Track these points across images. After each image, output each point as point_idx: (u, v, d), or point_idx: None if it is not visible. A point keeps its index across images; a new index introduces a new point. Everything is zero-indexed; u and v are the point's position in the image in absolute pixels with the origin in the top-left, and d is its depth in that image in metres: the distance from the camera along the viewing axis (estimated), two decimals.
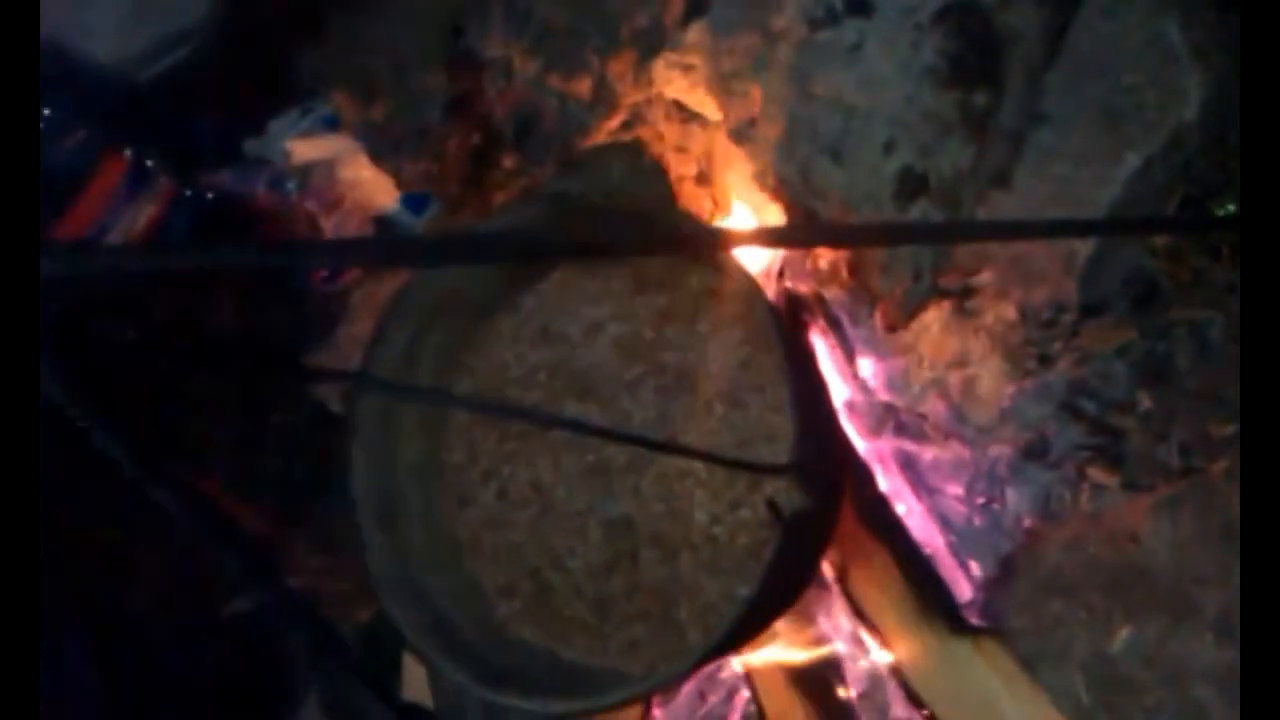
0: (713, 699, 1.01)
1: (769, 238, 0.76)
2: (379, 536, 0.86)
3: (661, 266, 0.87)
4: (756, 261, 1.00)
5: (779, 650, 0.94)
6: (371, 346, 0.87)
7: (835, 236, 0.76)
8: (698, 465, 0.83)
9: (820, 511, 0.83)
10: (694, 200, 1.02)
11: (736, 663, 0.98)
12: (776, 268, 1.01)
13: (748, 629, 0.81)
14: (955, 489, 0.94)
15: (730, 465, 0.81)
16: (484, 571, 0.88)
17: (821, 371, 0.91)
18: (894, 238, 0.78)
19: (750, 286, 0.77)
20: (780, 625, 0.97)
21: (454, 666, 0.79)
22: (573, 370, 0.89)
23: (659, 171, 0.78)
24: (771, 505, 0.74)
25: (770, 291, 1.00)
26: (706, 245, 0.76)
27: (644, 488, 0.84)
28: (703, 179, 1.02)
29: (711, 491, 0.83)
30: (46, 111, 1.16)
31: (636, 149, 0.81)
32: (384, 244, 0.71)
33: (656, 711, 1.00)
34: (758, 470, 0.78)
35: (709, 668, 1.00)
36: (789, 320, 0.96)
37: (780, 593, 0.84)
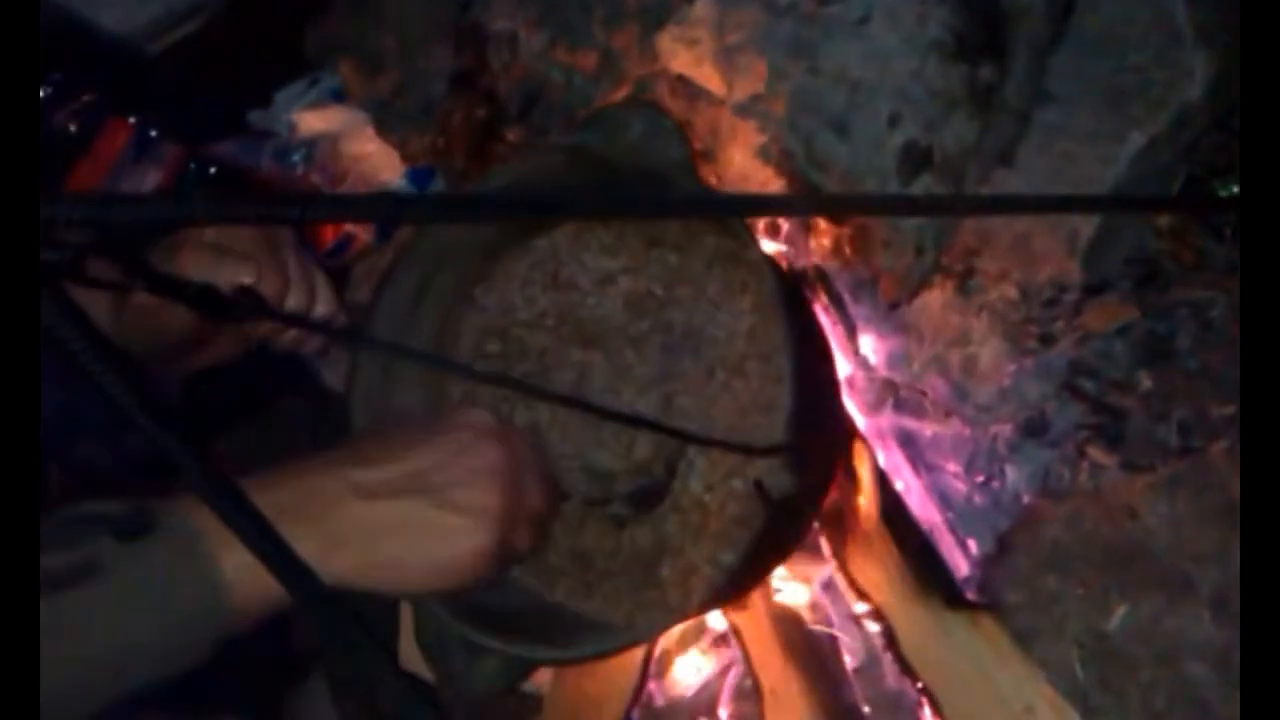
0: (707, 671, 1.02)
1: (778, 205, 0.76)
2: None
3: (677, 226, 0.87)
4: (761, 238, 1.00)
5: (776, 623, 0.95)
6: (380, 287, 0.87)
7: (841, 205, 0.76)
8: (694, 427, 0.83)
9: (809, 490, 0.83)
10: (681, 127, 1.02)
11: (731, 635, 0.98)
12: (780, 242, 1.01)
13: (728, 593, 0.82)
14: (954, 466, 0.94)
15: (720, 446, 0.81)
16: None
17: (829, 346, 0.91)
18: (897, 208, 0.78)
19: (762, 255, 0.77)
20: (778, 599, 0.97)
21: (437, 600, 0.78)
22: (580, 318, 0.89)
23: (679, 133, 0.78)
24: (759, 485, 0.74)
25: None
26: (718, 211, 0.76)
27: (638, 445, 0.85)
28: (706, 154, 1.02)
29: (707, 457, 0.83)
30: (53, 76, 1.17)
31: (657, 109, 0.80)
32: (392, 200, 0.71)
33: (651, 684, 1.01)
34: (749, 452, 0.78)
35: (704, 639, 1.01)
36: (799, 292, 0.96)
37: (764, 561, 0.85)
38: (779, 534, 0.80)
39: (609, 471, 0.85)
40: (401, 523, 0.67)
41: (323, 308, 0.85)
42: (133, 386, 0.37)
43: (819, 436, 0.85)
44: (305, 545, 0.62)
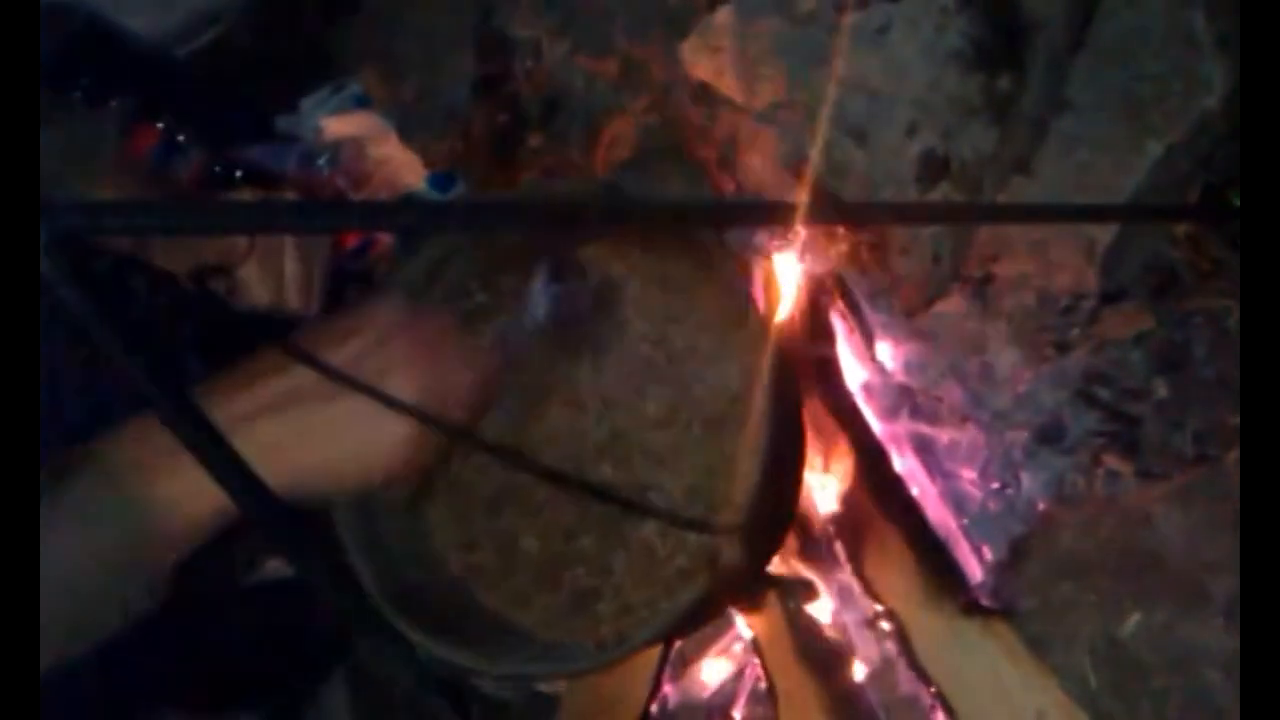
0: (724, 673, 1.03)
1: (794, 213, 0.77)
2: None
3: (688, 269, 0.87)
4: (778, 244, 1.01)
5: (791, 627, 0.95)
6: (395, 261, 0.87)
7: (858, 215, 0.76)
8: (665, 475, 0.84)
9: (754, 564, 0.85)
10: (717, 182, 1.03)
11: (748, 638, 0.99)
12: (799, 250, 1.02)
13: (657, 639, 0.83)
14: (970, 472, 0.95)
15: (677, 525, 0.82)
16: (441, 520, 0.89)
17: (804, 423, 0.91)
18: (914, 217, 0.79)
19: (764, 325, 0.78)
20: (794, 604, 0.98)
21: (406, 621, 0.79)
22: (579, 331, 0.89)
23: (715, 196, 0.79)
24: (709, 554, 0.75)
25: (792, 275, 1.01)
26: (738, 220, 0.77)
27: (609, 473, 0.85)
28: (727, 161, 1.03)
29: (667, 504, 0.83)
30: (82, 80, 1.18)
31: (699, 168, 0.81)
32: (418, 209, 0.72)
33: (668, 686, 1.01)
34: (705, 530, 0.79)
35: (721, 642, 1.02)
36: (790, 367, 0.96)
37: (698, 618, 0.85)
38: (715, 598, 0.81)
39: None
40: (326, 422, 0.66)
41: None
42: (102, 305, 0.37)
43: (774, 517, 0.86)
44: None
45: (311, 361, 0.63)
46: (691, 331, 0.86)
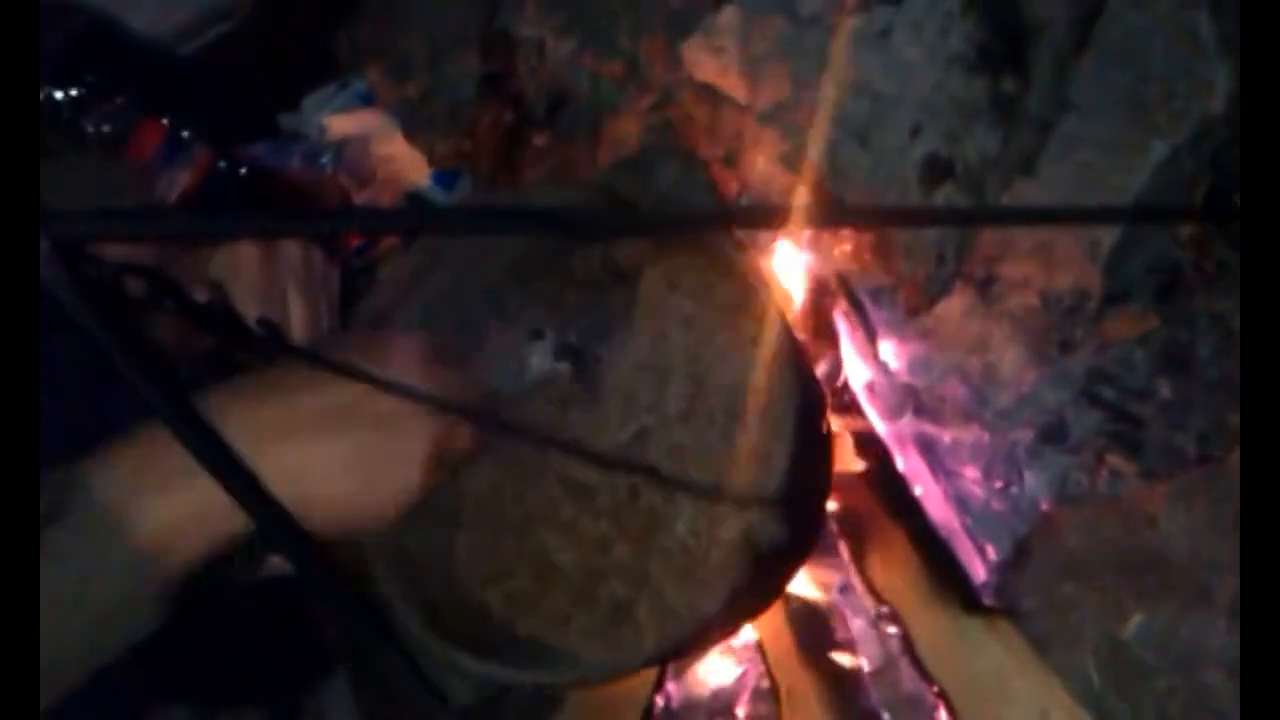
0: (726, 672, 1.03)
1: (797, 216, 0.77)
2: None
3: (695, 274, 0.88)
4: (781, 244, 1.01)
5: (794, 625, 0.96)
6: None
7: (862, 218, 0.77)
8: (693, 469, 0.84)
9: (796, 545, 0.84)
10: (721, 181, 1.03)
11: (750, 636, 0.99)
12: (802, 250, 1.02)
13: (702, 640, 0.83)
14: (973, 472, 0.95)
15: (713, 496, 0.82)
16: (471, 551, 0.89)
17: (825, 403, 0.91)
18: (919, 220, 0.79)
19: (774, 310, 0.78)
20: (797, 602, 0.98)
21: (416, 619, 0.79)
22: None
23: (711, 187, 0.78)
24: (745, 535, 0.75)
25: (796, 275, 1.02)
26: (739, 223, 0.77)
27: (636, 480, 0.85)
28: (730, 161, 1.03)
29: (697, 503, 0.83)
30: (85, 78, 1.18)
31: (694, 159, 0.81)
32: (416, 212, 0.72)
33: (670, 684, 1.02)
34: (744, 503, 0.79)
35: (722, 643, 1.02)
36: (802, 349, 0.97)
37: (740, 612, 0.85)
38: (759, 587, 0.81)
39: (610, 506, 0.86)
40: (342, 455, 0.66)
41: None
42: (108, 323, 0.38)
43: (810, 494, 0.86)
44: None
45: (347, 370, 0.63)
46: (707, 321, 0.87)
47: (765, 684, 0.99)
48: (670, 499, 0.84)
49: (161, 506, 0.59)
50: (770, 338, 0.81)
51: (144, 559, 0.60)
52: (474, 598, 0.86)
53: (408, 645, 0.77)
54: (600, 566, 0.85)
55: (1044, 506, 0.91)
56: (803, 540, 0.88)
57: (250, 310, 0.79)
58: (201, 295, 0.78)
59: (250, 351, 0.80)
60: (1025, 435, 0.93)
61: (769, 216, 0.65)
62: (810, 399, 0.84)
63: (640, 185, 0.80)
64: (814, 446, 0.85)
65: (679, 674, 1.03)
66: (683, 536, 0.83)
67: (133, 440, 0.61)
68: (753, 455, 0.82)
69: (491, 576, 0.88)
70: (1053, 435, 0.92)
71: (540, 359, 0.89)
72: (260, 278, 0.82)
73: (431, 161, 1.25)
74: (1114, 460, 0.89)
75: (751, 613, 0.89)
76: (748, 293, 0.82)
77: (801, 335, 1.01)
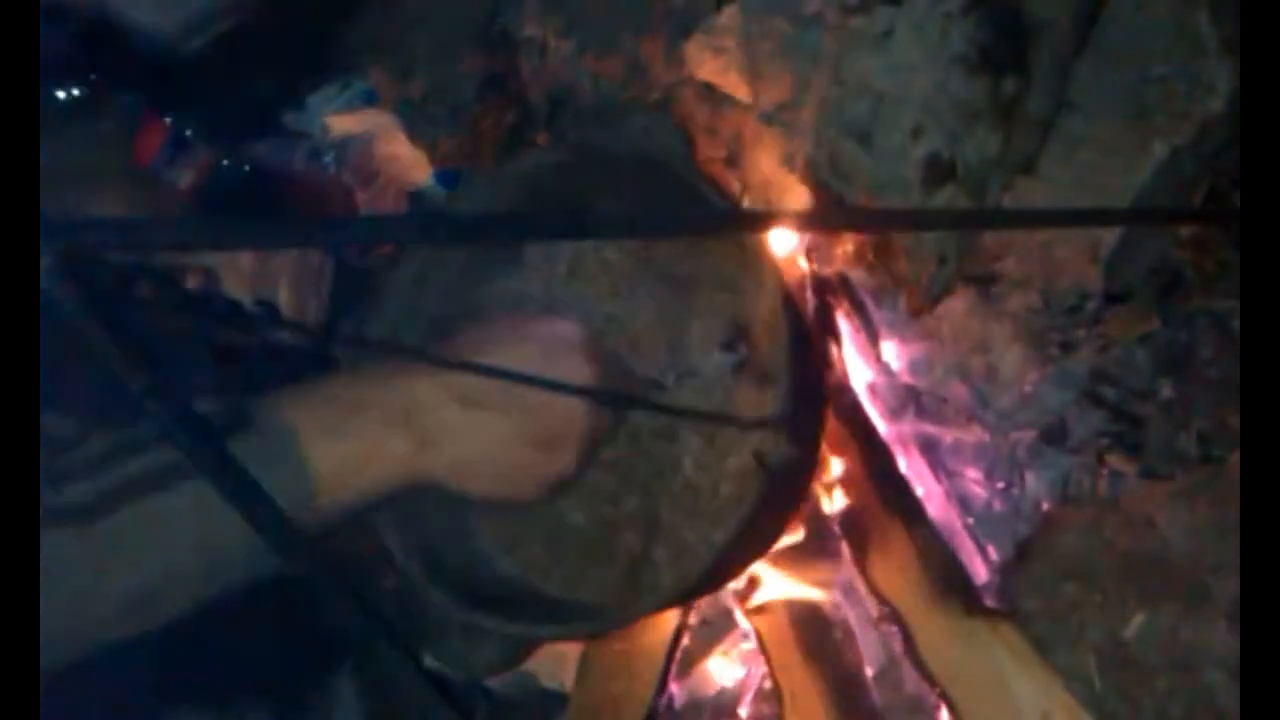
0: (729, 673, 1.03)
1: (798, 220, 0.77)
2: None
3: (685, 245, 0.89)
4: (784, 245, 1.01)
5: (796, 626, 0.96)
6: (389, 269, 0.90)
7: (863, 220, 0.77)
8: (697, 404, 0.85)
9: (802, 465, 0.85)
10: (722, 182, 1.03)
11: (753, 638, 0.99)
12: (803, 250, 1.02)
13: (722, 572, 0.85)
14: (975, 472, 0.95)
15: (717, 420, 0.83)
16: (485, 523, 0.90)
17: (810, 327, 0.93)
18: (921, 223, 0.79)
19: (764, 246, 0.79)
20: (799, 602, 0.98)
21: (440, 591, 0.81)
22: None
23: (678, 129, 0.80)
24: (757, 456, 0.76)
25: (796, 274, 1.02)
26: (737, 226, 0.77)
27: (642, 426, 0.86)
28: (731, 161, 1.03)
29: (702, 437, 0.84)
30: (88, 77, 1.18)
31: (659, 107, 0.83)
32: (417, 220, 0.72)
33: (673, 685, 1.02)
34: (751, 425, 0.80)
35: (727, 642, 1.02)
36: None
37: (753, 542, 0.87)
38: (769, 513, 0.81)
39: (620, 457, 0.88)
40: (488, 434, 0.70)
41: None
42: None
43: (812, 413, 0.87)
44: (397, 443, 0.67)
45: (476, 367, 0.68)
46: (699, 258, 0.88)
47: (768, 685, 0.99)
48: (674, 438, 0.85)
49: (329, 450, 0.63)
50: (760, 266, 0.82)
51: (304, 494, 0.64)
52: (494, 568, 0.88)
53: (411, 646, 0.78)
54: (612, 519, 0.86)
55: (1045, 507, 0.91)
56: (808, 457, 0.89)
57: (242, 296, 0.80)
58: (194, 281, 0.79)
59: (249, 333, 0.81)
60: (1027, 436, 0.94)
61: (769, 218, 0.64)
62: (802, 324, 0.85)
63: (612, 134, 0.82)
64: (810, 364, 0.87)
65: (683, 674, 1.03)
66: (690, 474, 0.85)
67: (315, 386, 0.66)
68: (752, 378, 0.83)
69: (508, 545, 0.89)
70: (1054, 436, 0.92)
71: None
72: (252, 264, 0.83)
73: (434, 161, 1.25)
74: (1115, 461, 0.90)
75: (765, 541, 0.90)
76: (741, 243, 0.84)
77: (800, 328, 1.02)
